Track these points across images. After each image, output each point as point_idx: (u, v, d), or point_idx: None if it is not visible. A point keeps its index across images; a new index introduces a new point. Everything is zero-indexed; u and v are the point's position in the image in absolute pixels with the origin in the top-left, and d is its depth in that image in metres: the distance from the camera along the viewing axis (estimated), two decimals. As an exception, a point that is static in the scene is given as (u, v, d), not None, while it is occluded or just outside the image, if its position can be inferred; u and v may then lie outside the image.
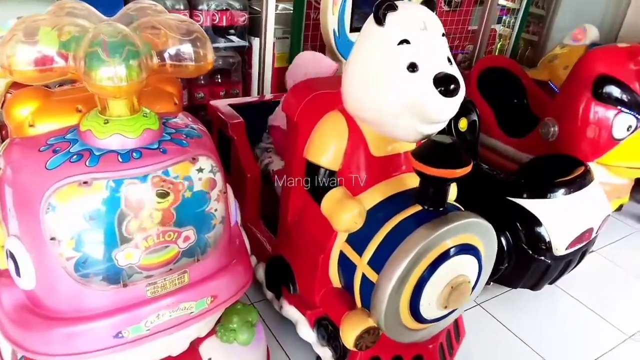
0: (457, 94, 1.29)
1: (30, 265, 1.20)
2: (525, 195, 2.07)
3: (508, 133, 2.83)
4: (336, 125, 1.51)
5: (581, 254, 2.14)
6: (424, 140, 1.40)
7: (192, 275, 1.33)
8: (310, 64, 2.05)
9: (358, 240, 1.50)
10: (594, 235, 2.12)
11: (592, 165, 2.27)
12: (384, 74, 1.33)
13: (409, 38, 1.29)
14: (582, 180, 2.10)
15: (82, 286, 1.20)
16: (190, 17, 2.53)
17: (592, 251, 2.62)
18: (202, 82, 2.78)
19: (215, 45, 2.71)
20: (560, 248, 2.02)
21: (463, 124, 2.32)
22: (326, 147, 1.52)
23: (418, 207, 1.43)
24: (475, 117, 2.34)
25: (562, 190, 2.05)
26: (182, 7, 2.49)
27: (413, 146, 1.47)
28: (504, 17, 3.86)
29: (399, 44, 1.29)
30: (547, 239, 2.01)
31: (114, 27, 1.07)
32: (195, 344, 1.54)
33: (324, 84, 1.70)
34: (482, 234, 1.46)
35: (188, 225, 1.29)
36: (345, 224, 1.47)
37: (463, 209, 1.53)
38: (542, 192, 2.06)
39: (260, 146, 2.22)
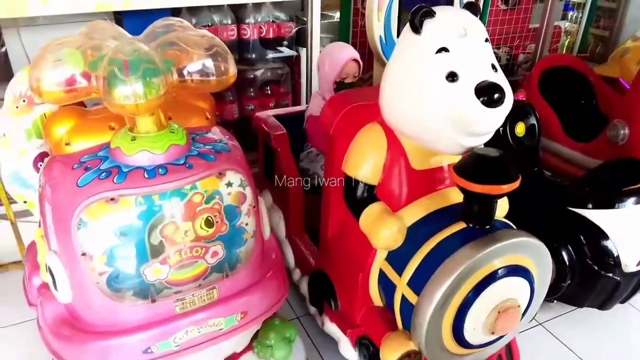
0: (502, 104, 1.19)
1: (66, 279, 1.24)
2: (589, 206, 1.89)
3: (575, 137, 2.61)
4: (375, 138, 1.45)
5: (657, 270, 1.93)
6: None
7: (221, 291, 1.32)
8: (331, 54, 2.06)
9: (398, 259, 1.42)
10: (671, 249, 1.90)
11: (668, 171, 2.04)
12: (421, 85, 1.25)
13: (447, 46, 1.21)
14: (656, 188, 1.89)
15: (114, 301, 1.23)
16: (238, 31, 2.57)
17: (673, 266, 2.36)
18: (252, 94, 2.81)
19: (265, 57, 2.74)
20: (630, 264, 1.82)
21: (520, 129, 2.17)
22: (364, 161, 1.47)
23: (462, 225, 1.33)
24: (534, 121, 2.19)
25: (631, 200, 1.86)
26: (229, 22, 2.52)
27: (457, 158, 1.38)
28: (569, 13, 3.61)
29: (437, 53, 1.22)
30: (615, 254, 1.83)
31: (132, 46, 1.08)
32: (232, 359, 1.53)
33: (361, 95, 1.65)
34: (535, 255, 1.34)
35: (216, 241, 1.29)
36: (384, 241, 1.41)
37: (513, 226, 1.41)
38: (608, 201, 1.87)
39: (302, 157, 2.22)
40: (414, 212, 1.43)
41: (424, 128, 1.30)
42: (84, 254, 1.18)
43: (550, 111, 2.68)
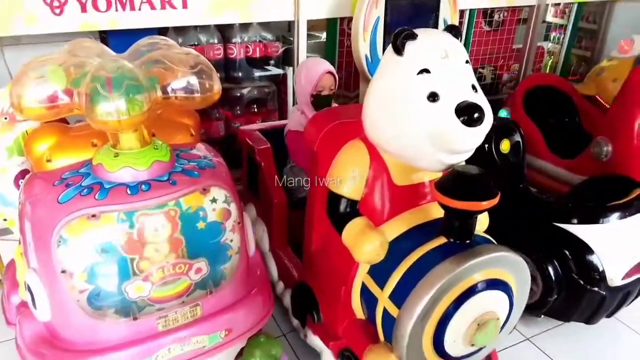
0: (481, 123, 1.22)
1: (45, 297, 1.22)
2: (574, 221, 1.91)
3: (560, 153, 2.65)
4: (357, 154, 1.47)
5: (642, 284, 1.94)
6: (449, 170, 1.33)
7: (205, 308, 1.31)
8: (307, 68, 2.09)
9: (380, 273, 1.43)
10: (655, 263, 1.91)
11: (651, 187, 2.07)
12: (403, 105, 1.27)
13: (429, 67, 1.24)
14: (639, 203, 1.91)
15: (94, 319, 1.21)
16: (224, 50, 2.59)
17: (658, 281, 2.37)
18: (239, 112, 2.83)
19: (252, 76, 2.76)
20: (615, 278, 1.83)
21: (505, 146, 2.20)
22: (347, 177, 1.48)
23: (443, 240, 1.35)
24: (518, 138, 2.21)
25: (616, 215, 1.88)
26: (216, 41, 2.55)
27: (439, 174, 1.40)
28: (552, 34, 3.69)
29: (418, 74, 1.24)
30: (600, 268, 1.84)
31: (115, 63, 1.09)
32: (217, 378, 1.51)
33: (344, 113, 1.68)
34: (514, 269, 1.36)
35: (200, 257, 1.28)
36: (366, 255, 1.41)
37: (493, 241, 1.43)
38: (593, 216, 1.89)
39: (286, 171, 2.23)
40: (396, 227, 1.45)
41: (405, 145, 1.32)
42: (63, 272, 1.17)
43: (535, 129, 2.72)
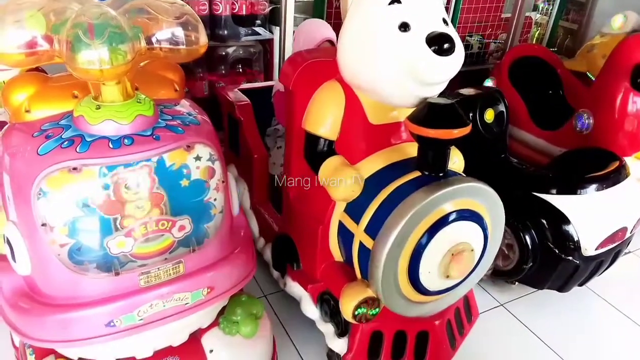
0: (452, 53, 1.25)
1: (25, 250, 1.20)
2: (553, 191, 1.95)
3: (542, 125, 2.68)
4: (333, 94, 1.49)
5: (614, 254, 2.01)
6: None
7: (187, 265, 1.30)
8: (307, 30, 2.04)
9: (356, 209, 1.46)
10: (628, 234, 1.98)
11: (630, 161, 2.11)
12: (375, 36, 1.30)
13: None
14: (616, 176, 1.96)
15: (75, 273, 1.19)
16: (210, 6, 2.51)
17: (628, 252, 2.46)
18: (223, 71, 2.77)
19: (238, 34, 2.68)
20: (589, 248, 1.89)
21: (490, 115, 2.21)
22: (324, 117, 1.51)
23: (417, 173, 1.39)
24: (502, 108, 2.23)
25: (593, 186, 1.92)
26: (201, -4, 2.48)
27: None
28: (540, 5, 3.67)
29: (389, 4, 1.27)
30: (576, 238, 1.89)
31: (97, 9, 1.04)
32: (198, 335, 1.52)
33: (320, 53, 1.68)
34: (486, 200, 1.39)
35: (183, 215, 1.26)
36: (342, 192, 1.44)
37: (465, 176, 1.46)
38: (571, 187, 1.93)
39: (269, 132, 2.20)
40: (372, 165, 1.48)
41: (378, 79, 1.34)
42: (44, 225, 1.14)
43: (519, 99, 2.74)
